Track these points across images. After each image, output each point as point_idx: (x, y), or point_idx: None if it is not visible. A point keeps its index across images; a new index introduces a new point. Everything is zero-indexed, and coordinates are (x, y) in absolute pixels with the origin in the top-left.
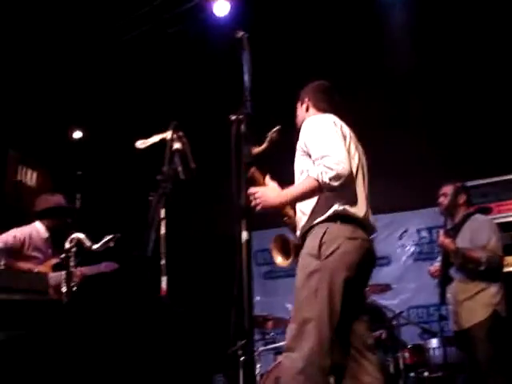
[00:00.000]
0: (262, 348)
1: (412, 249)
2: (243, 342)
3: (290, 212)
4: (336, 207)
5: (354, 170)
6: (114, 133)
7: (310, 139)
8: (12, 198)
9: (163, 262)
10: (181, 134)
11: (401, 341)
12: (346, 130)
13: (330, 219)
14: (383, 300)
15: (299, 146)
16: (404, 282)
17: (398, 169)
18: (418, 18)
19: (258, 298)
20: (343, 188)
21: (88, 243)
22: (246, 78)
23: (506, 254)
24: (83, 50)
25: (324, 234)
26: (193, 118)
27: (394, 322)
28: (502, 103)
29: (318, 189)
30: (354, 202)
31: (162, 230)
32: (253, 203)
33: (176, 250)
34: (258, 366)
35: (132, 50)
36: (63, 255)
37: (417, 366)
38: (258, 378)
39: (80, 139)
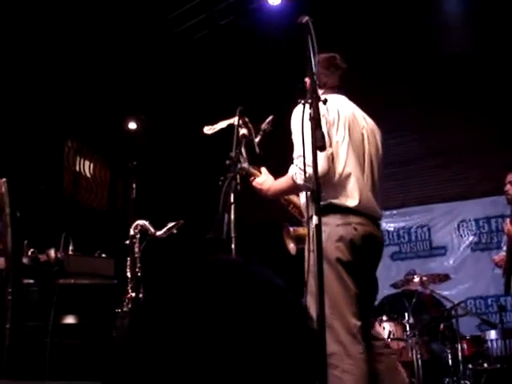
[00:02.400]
0: None
1: (470, 239)
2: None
3: (295, 199)
4: (322, 202)
5: (344, 157)
6: (175, 121)
7: (293, 134)
8: (69, 189)
9: (233, 246)
10: (246, 119)
11: (459, 332)
12: (343, 112)
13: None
14: (441, 290)
15: None
16: (462, 273)
17: (457, 157)
18: None
19: None
20: (327, 182)
21: (152, 230)
22: (313, 62)
23: None
24: (139, 42)
25: None
26: (257, 105)
27: (452, 313)
28: None
29: (296, 187)
30: (341, 192)
31: (232, 215)
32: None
33: (244, 235)
34: None
35: (188, 40)
36: (128, 241)
37: (475, 358)
38: None
39: (137, 129)
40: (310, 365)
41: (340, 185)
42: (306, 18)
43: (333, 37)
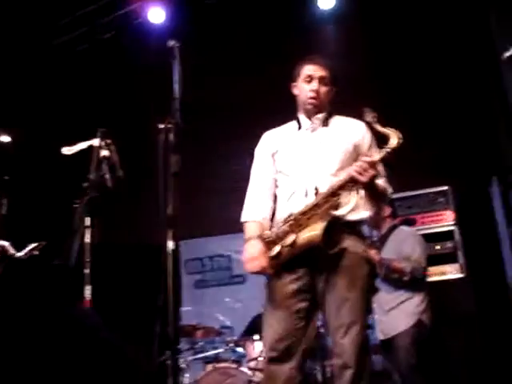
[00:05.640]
0: (191, 357)
1: None
2: (168, 352)
3: None
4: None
5: None
6: (42, 138)
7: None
8: None
9: (87, 271)
10: (109, 141)
11: (328, 349)
12: None
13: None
14: None
15: (356, 143)
16: None
17: None
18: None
19: (187, 308)
20: None
21: (12, 251)
22: (176, 87)
23: (429, 265)
24: (14, 53)
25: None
26: (121, 126)
27: (322, 331)
28: (422, 119)
29: (385, 198)
30: None
31: (87, 239)
32: (366, 170)
33: (102, 260)
34: (187, 375)
35: (63, 54)
36: None
37: None
38: None
39: (7, 143)
40: None
41: None
42: (173, 42)
43: (219, 57)
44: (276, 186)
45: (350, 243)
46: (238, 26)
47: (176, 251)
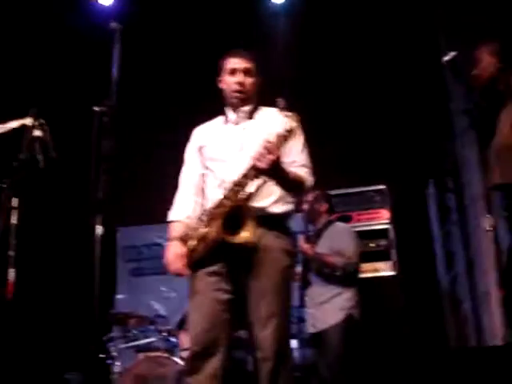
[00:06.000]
0: (123, 345)
1: None
2: (99, 339)
3: None
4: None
5: None
6: None
7: (302, 144)
8: None
9: (12, 253)
10: (42, 121)
11: None
12: None
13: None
14: None
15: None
16: None
17: None
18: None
19: (122, 295)
20: None
21: None
22: (114, 70)
23: (363, 261)
24: None
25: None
26: (55, 106)
27: None
28: (364, 118)
29: (302, 188)
30: None
31: (13, 220)
32: (263, 156)
33: (31, 242)
34: (118, 363)
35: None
36: None
37: None
38: (117, 375)
39: None
40: None
41: None
42: (115, 24)
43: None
44: (204, 182)
45: (270, 236)
46: (187, 14)
47: (111, 237)
